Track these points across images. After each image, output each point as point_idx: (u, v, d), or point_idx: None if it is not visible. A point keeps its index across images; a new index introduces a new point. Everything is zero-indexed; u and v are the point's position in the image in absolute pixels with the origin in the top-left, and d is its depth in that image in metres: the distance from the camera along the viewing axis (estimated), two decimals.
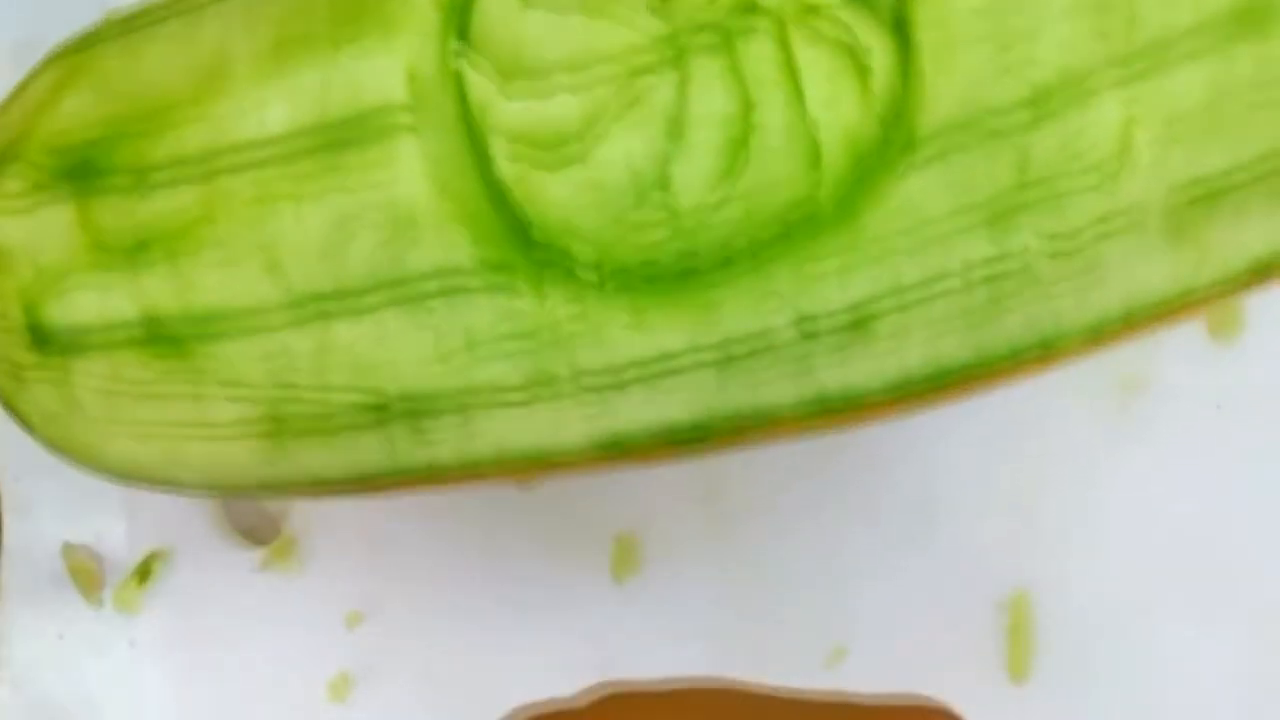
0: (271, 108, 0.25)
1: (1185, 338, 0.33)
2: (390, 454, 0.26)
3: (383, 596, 0.34)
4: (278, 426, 0.26)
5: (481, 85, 0.24)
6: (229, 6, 0.25)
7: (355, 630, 0.34)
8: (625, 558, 0.34)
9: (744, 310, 0.25)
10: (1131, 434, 0.33)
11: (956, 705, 0.33)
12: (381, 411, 0.26)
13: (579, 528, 0.34)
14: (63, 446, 0.27)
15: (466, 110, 0.24)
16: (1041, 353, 0.26)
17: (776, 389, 0.25)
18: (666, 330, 0.25)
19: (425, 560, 0.34)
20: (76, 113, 0.26)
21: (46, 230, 0.25)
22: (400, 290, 0.25)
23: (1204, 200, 0.25)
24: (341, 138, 0.24)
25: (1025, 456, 0.33)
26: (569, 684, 0.34)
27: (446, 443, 0.26)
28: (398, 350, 0.25)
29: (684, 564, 0.34)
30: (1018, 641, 0.33)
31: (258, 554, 0.34)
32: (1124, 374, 0.33)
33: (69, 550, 0.34)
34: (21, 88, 0.26)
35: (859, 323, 0.25)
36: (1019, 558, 0.33)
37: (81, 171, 0.25)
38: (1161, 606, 0.33)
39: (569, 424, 0.26)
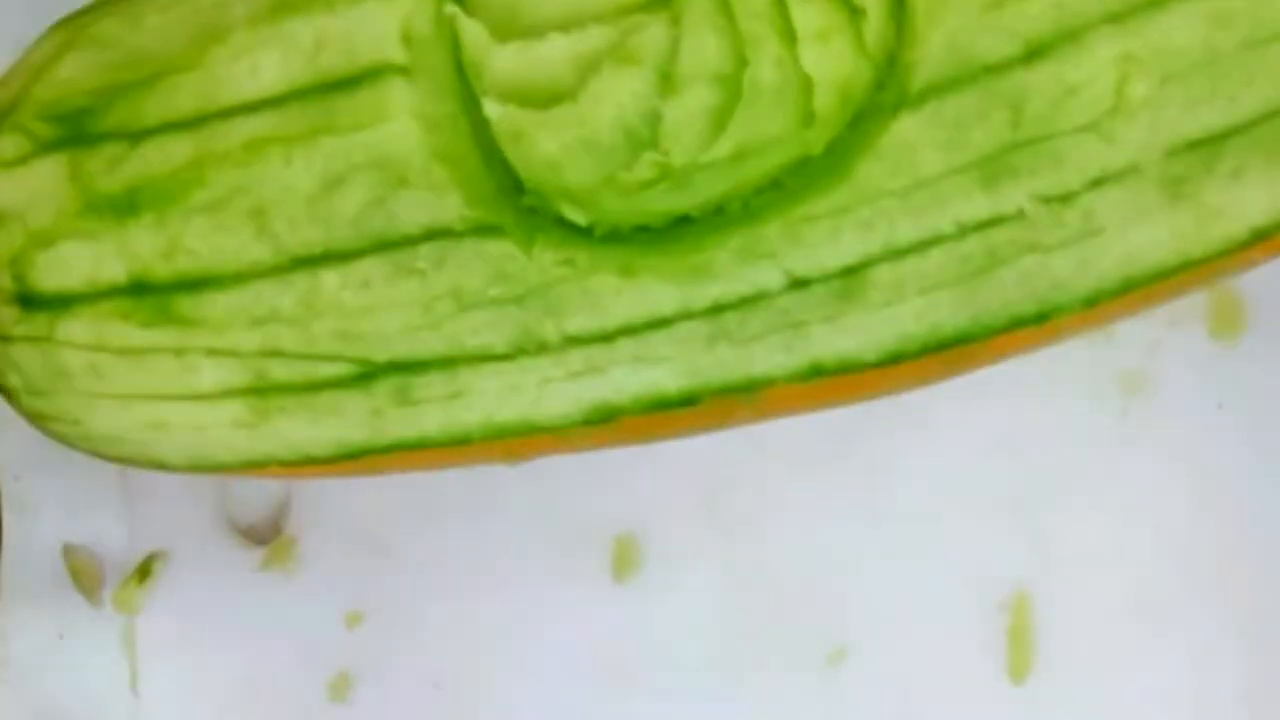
0: (265, 64, 0.25)
1: (1185, 338, 0.33)
2: (376, 425, 0.26)
3: (383, 596, 0.34)
4: (262, 391, 0.26)
5: (476, 40, 0.24)
6: None
7: (355, 630, 0.34)
8: (625, 558, 0.34)
9: (735, 268, 0.24)
10: (1132, 434, 0.33)
11: (956, 705, 0.33)
12: (368, 376, 0.25)
13: (579, 528, 0.34)
14: (46, 416, 0.27)
15: (460, 65, 0.24)
16: (1039, 320, 0.25)
17: (769, 355, 0.25)
18: (657, 289, 0.25)
19: (425, 560, 0.34)
20: (73, 77, 0.26)
21: (39, 191, 0.26)
22: (389, 250, 0.25)
23: (1201, 158, 0.24)
24: (334, 90, 0.24)
25: (1025, 456, 0.33)
26: (569, 684, 0.34)
27: (433, 412, 0.26)
28: (385, 312, 0.25)
29: (684, 564, 0.34)
30: (1018, 641, 0.33)
31: (258, 554, 0.34)
32: (1124, 374, 0.33)
33: (69, 550, 0.34)
34: (24, 56, 0.27)
35: (852, 282, 0.24)
36: (1019, 558, 0.33)
37: (75, 132, 0.25)
38: (1161, 606, 0.33)
39: (557, 391, 0.25)
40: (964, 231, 0.24)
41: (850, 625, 0.33)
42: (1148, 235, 0.25)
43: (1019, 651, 0.33)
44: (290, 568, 0.34)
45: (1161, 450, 0.33)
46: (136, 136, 0.25)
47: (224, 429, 0.26)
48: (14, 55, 0.27)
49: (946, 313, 0.25)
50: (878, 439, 0.33)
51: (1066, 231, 0.24)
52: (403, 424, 0.26)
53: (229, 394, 0.26)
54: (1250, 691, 0.33)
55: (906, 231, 0.24)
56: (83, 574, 0.34)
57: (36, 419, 0.27)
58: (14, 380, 0.27)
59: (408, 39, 0.24)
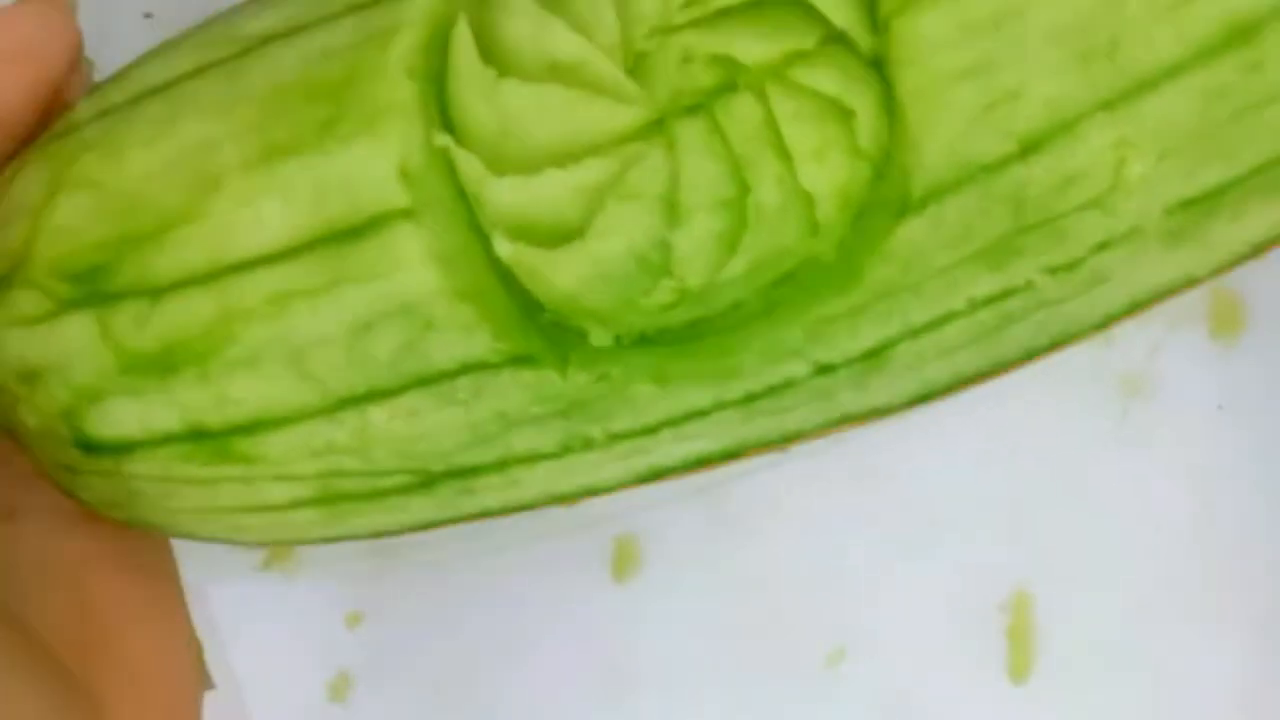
0: (268, 214, 0.24)
1: (1186, 339, 0.33)
2: (441, 508, 0.27)
3: (383, 596, 0.34)
4: (331, 501, 0.26)
5: (472, 171, 0.24)
6: (203, 98, 0.25)
7: (355, 630, 0.34)
8: (625, 558, 0.34)
9: (762, 366, 0.25)
10: (1132, 434, 0.33)
11: (956, 705, 0.33)
12: (429, 483, 0.26)
13: (579, 528, 0.34)
14: (129, 523, 0.27)
15: (463, 198, 0.24)
16: (1053, 349, 0.26)
17: (801, 416, 0.26)
18: (691, 391, 0.25)
19: (425, 560, 0.34)
20: (74, 227, 0.25)
21: (72, 349, 0.25)
22: (429, 384, 0.25)
23: (1202, 211, 0.25)
24: (344, 240, 0.24)
25: (1025, 457, 0.33)
26: (569, 684, 0.34)
27: (493, 495, 0.27)
28: (437, 435, 0.25)
29: (684, 564, 0.34)
30: (1018, 641, 0.33)
31: (258, 554, 0.34)
32: (1125, 375, 0.33)
33: None
34: (7, 184, 0.26)
35: (875, 360, 0.25)
36: (1019, 558, 0.33)
37: (93, 290, 0.25)
38: (1161, 606, 0.33)
39: (607, 468, 0.26)
40: (976, 307, 0.25)
41: (850, 625, 0.33)
42: (1153, 272, 0.25)
43: (1019, 651, 0.33)
44: (290, 568, 0.34)
45: (1161, 451, 0.33)
46: (155, 294, 0.25)
47: (300, 527, 0.27)
48: None
49: (966, 362, 0.26)
50: (878, 439, 0.33)
51: (1075, 287, 0.25)
52: (467, 506, 0.27)
53: (300, 505, 0.26)
54: (1250, 691, 0.33)
55: (921, 315, 0.25)
56: None
57: (120, 523, 0.28)
58: (89, 497, 0.27)
59: (406, 177, 0.24)
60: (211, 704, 0.34)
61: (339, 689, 0.34)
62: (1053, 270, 0.24)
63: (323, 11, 0.25)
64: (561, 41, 0.24)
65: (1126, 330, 0.33)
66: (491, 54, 0.24)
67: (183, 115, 0.25)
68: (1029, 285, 0.25)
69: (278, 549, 0.34)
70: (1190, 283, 0.26)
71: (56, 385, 0.25)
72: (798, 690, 0.33)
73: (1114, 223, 0.24)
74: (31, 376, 0.25)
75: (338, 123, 0.24)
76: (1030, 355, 0.26)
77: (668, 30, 0.24)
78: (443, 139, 0.24)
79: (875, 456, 0.33)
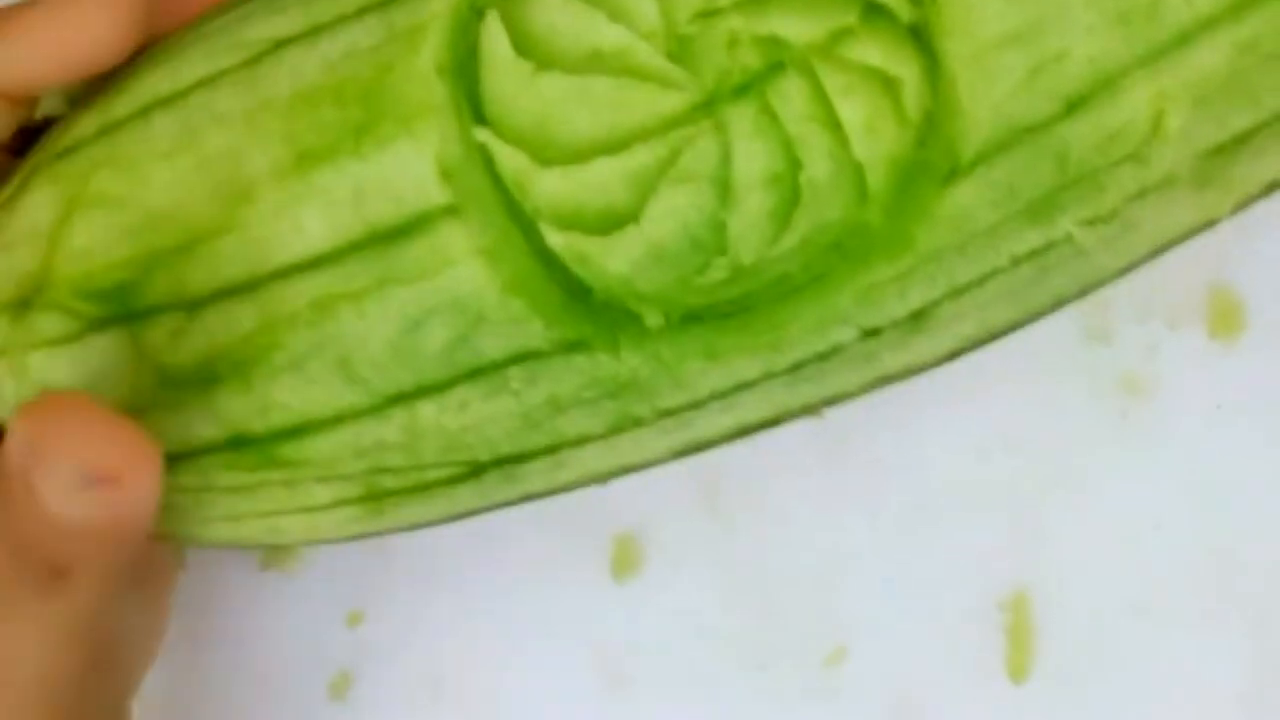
0: (308, 221, 0.24)
1: (1185, 338, 0.33)
2: (484, 496, 0.27)
3: (383, 596, 0.34)
4: (375, 498, 0.26)
5: (514, 164, 0.24)
6: (220, 108, 0.25)
7: (355, 630, 0.34)
8: (625, 558, 0.34)
9: (811, 335, 0.25)
10: (1131, 433, 0.33)
11: (956, 705, 0.33)
12: (476, 472, 0.26)
13: (579, 528, 0.34)
14: (159, 535, 0.27)
15: (504, 191, 0.24)
16: (1080, 296, 0.27)
17: (842, 379, 0.26)
18: (741, 363, 0.25)
19: (425, 560, 0.34)
20: (94, 247, 0.25)
21: (103, 368, 0.25)
22: (480, 376, 0.25)
23: (1230, 154, 0.25)
24: (389, 240, 0.24)
25: (1025, 456, 0.33)
26: (569, 684, 0.34)
27: (538, 479, 0.27)
28: (487, 425, 0.25)
29: (684, 564, 0.34)
30: (1018, 641, 0.33)
31: (258, 554, 0.34)
32: (1124, 374, 0.33)
33: None
34: (10, 208, 0.26)
35: (919, 321, 0.25)
36: (1019, 558, 0.33)
37: (123, 308, 0.25)
38: (1161, 606, 0.33)
39: (651, 444, 0.27)
40: (1018, 262, 0.25)
41: (850, 625, 0.33)
42: (1179, 215, 0.26)
43: (1019, 651, 0.33)
44: (290, 567, 0.34)
45: (1161, 450, 0.33)
46: (191, 306, 0.24)
47: (340, 524, 0.27)
48: None
49: (1000, 314, 0.26)
50: (878, 438, 0.33)
51: (1108, 236, 0.25)
52: (510, 492, 0.27)
53: (343, 503, 0.26)
54: (1250, 691, 0.33)
55: (967, 275, 0.25)
56: None
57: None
58: None
59: (446, 174, 0.24)
60: (212, 704, 0.34)
61: (339, 688, 0.34)
62: (1091, 222, 0.25)
63: (337, 12, 0.25)
64: (603, 32, 0.24)
65: (1126, 330, 0.33)
66: (523, 46, 0.24)
67: (202, 126, 0.25)
68: (1068, 238, 0.25)
69: (278, 550, 0.34)
70: (1210, 224, 0.26)
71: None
72: (798, 690, 0.33)
73: (1149, 173, 0.25)
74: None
75: (372, 126, 0.24)
76: (1060, 304, 0.27)
77: (711, 14, 0.24)
78: (482, 134, 0.24)
79: (875, 456, 0.33)
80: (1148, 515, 0.33)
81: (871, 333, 0.25)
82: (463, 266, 0.24)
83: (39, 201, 0.25)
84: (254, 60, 0.25)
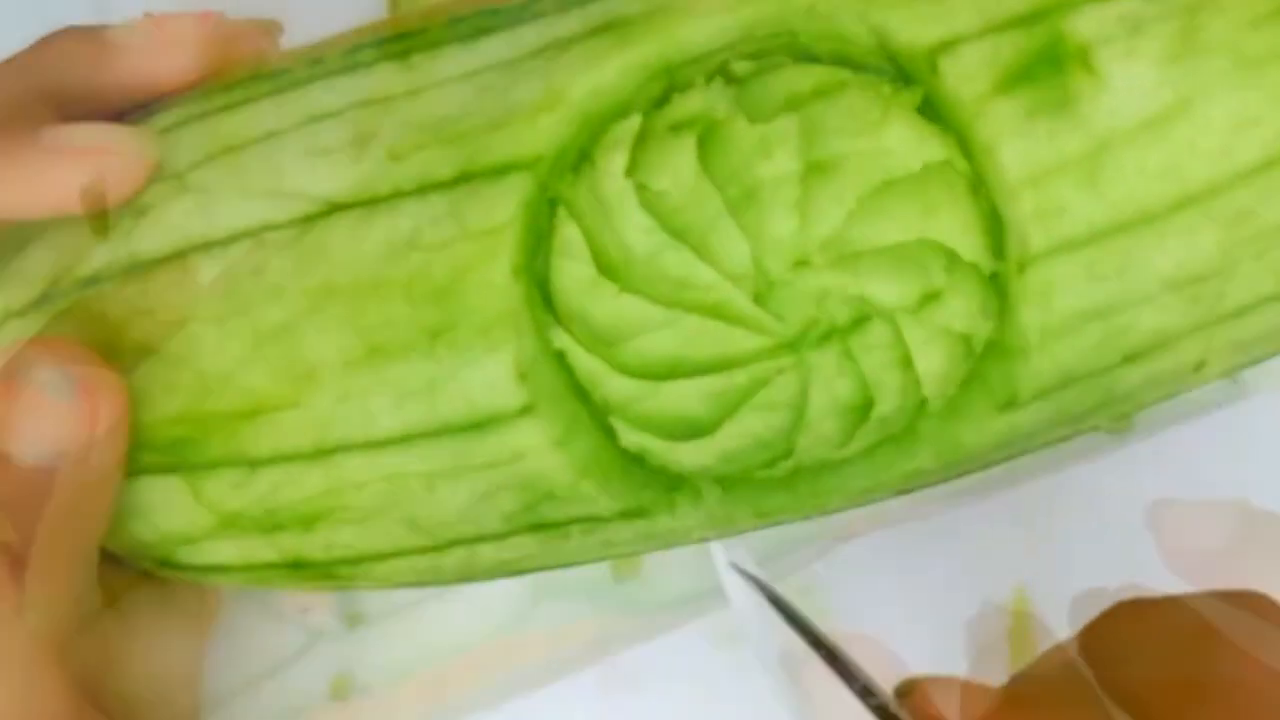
0: (379, 410, 0.24)
1: None
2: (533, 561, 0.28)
3: (383, 597, 0.34)
4: (424, 582, 0.27)
5: (591, 366, 0.24)
6: (271, 276, 0.24)
7: (355, 630, 0.34)
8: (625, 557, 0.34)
9: (850, 497, 0.26)
10: (1132, 433, 0.33)
11: None
12: (524, 571, 0.27)
13: None
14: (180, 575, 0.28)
15: (578, 387, 0.25)
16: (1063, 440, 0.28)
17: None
18: (786, 517, 0.26)
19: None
20: (146, 402, 0.25)
21: (160, 505, 0.25)
22: (542, 530, 0.25)
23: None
24: (462, 433, 0.24)
25: (1026, 457, 0.33)
26: (569, 682, 0.34)
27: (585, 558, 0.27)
28: (541, 560, 0.26)
29: (686, 563, 0.34)
30: (1018, 641, 0.33)
31: None
32: None
33: None
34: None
35: (952, 477, 0.27)
36: (1019, 558, 0.33)
37: (180, 460, 0.25)
38: None
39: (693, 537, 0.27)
40: (1038, 445, 0.27)
41: (850, 625, 0.33)
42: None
43: (1019, 651, 0.33)
44: None
45: (1161, 450, 0.33)
46: (253, 464, 0.25)
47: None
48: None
49: (1000, 459, 0.28)
50: None
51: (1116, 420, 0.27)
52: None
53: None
54: None
55: (999, 456, 0.27)
56: None
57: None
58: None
59: (522, 377, 0.24)
60: (212, 704, 0.34)
61: (339, 689, 0.34)
62: (1115, 419, 0.26)
63: (393, 185, 0.24)
64: (691, 269, 0.24)
65: None
66: (599, 259, 0.24)
67: (254, 296, 0.24)
68: (1092, 427, 0.27)
69: None
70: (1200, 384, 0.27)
71: (141, 528, 0.26)
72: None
73: (1185, 384, 0.26)
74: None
75: (448, 330, 0.24)
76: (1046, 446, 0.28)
77: (803, 264, 0.24)
78: (560, 339, 0.24)
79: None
80: (1148, 515, 0.33)
81: (904, 491, 0.27)
82: (537, 458, 0.24)
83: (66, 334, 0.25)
84: (304, 223, 0.24)
